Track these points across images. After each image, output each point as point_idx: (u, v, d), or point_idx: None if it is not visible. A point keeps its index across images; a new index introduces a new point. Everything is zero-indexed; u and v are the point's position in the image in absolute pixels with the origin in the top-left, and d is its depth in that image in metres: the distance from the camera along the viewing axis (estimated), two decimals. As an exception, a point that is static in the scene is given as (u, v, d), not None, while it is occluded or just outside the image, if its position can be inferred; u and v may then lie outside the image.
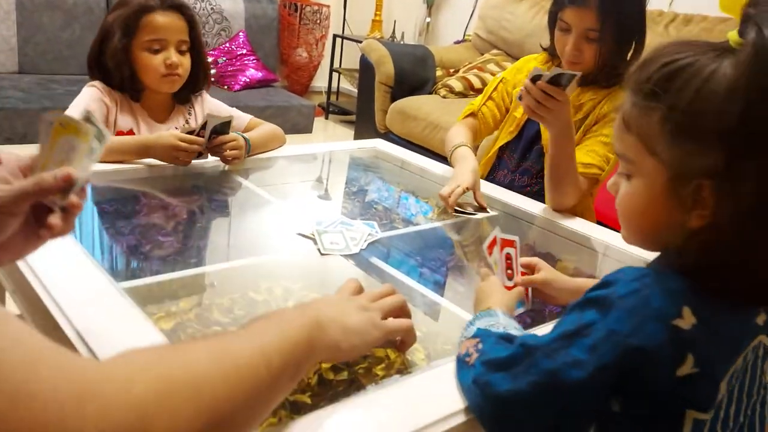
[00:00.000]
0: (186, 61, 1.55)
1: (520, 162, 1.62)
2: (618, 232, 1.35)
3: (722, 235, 0.61)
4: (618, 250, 1.27)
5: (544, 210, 1.45)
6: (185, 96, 1.62)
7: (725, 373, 0.63)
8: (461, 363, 0.74)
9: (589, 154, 1.45)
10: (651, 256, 0.73)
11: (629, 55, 1.48)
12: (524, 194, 1.54)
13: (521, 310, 0.97)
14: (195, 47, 1.57)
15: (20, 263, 0.87)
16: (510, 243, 1.00)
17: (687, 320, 0.61)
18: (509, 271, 0.97)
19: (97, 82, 1.53)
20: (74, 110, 1.47)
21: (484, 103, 1.66)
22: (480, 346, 0.73)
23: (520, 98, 1.31)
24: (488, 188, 1.54)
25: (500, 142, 1.65)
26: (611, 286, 0.64)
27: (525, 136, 1.59)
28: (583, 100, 1.51)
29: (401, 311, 0.81)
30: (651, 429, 0.64)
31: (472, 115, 1.68)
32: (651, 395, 0.62)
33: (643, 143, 0.64)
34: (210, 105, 1.70)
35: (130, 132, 1.54)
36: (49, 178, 0.63)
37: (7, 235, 0.64)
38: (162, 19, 1.49)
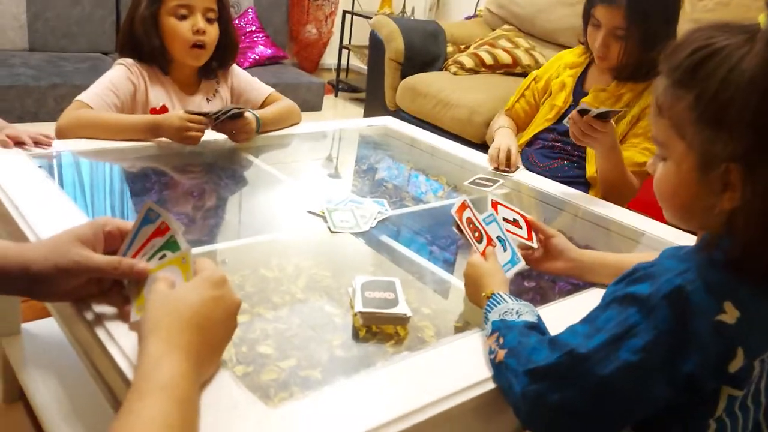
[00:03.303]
0: (213, 31, 1.54)
1: (554, 144, 1.67)
2: (652, 219, 1.35)
3: (753, 218, 0.61)
4: (651, 237, 1.26)
5: (574, 195, 1.44)
6: (211, 70, 1.62)
7: (762, 353, 0.64)
8: (492, 363, 0.74)
9: (643, 152, 1.54)
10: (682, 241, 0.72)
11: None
12: (559, 168, 1.61)
13: (517, 268, 0.92)
14: (222, 18, 1.57)
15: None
16: (462, 207, 0.95)
17: (730, 314, 0.61)
18: (476, 234, 0.93)
19: (126, 60, 1.53)
20: (99, 86, 1.48)
21: (516, 101, 1.81)
22: (501, 340, 0.73)
23: (566, 121, 1.41)
24: (520, 174, 1.54)
25: (537, 129, 1.70)
26: (652, 283, 0.63)
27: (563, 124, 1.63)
28: (622, 91, 1.59)
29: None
30: (688, 409, 0.65)
31: (507, 112, 1.82)
32: (698, 388, 0.63)
33: (674, 128, 0.65)
34: (237, 75, 1.70)
35: (164, 107, 1.54)
36: (126, 267, 0.72)
37: (66, 287, 0.72)
38: None
